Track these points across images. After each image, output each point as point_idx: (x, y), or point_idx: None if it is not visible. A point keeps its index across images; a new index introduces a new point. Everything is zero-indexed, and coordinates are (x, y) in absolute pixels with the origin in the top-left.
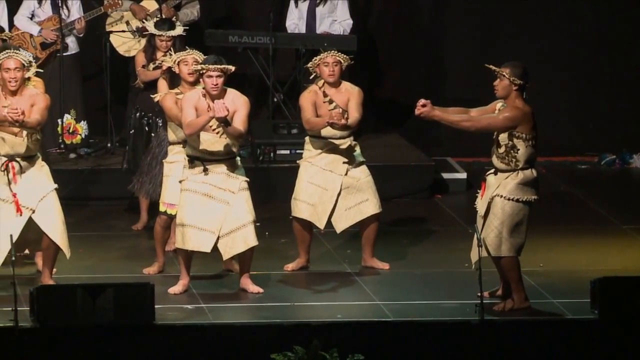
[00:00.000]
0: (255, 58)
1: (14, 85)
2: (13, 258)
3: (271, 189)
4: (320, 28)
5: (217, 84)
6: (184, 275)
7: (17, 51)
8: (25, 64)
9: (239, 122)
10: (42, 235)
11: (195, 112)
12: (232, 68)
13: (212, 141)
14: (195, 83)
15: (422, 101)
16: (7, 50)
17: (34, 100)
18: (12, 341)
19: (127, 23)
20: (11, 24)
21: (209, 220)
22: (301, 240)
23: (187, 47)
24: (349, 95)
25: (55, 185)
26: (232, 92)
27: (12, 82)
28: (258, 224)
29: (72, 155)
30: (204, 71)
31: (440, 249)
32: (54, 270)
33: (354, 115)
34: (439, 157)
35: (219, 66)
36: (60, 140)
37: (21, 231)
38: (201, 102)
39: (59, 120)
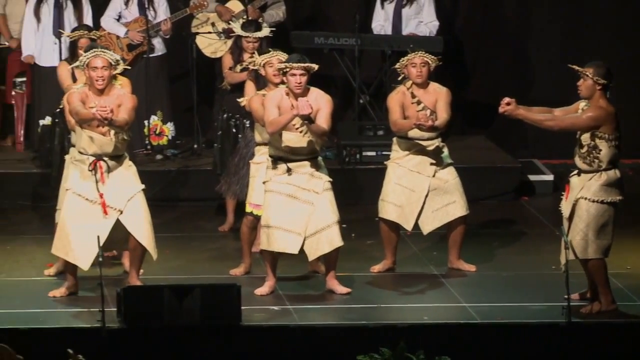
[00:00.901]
0: (340, 59)
1: (101, 84)
2: (100, 259)
3: (357, 191)
4: (406, 29)
5: (300, 82)
6: (270, 277)
7: (105, 50)
8: (113, 63)
9: (322, 120)
10: (129, 236)
11: (278, 111)
12: (315, 66)
13: (295, 140)
14: (280, 84)
15: (506, 99)
16: (94, 49)
17: (121, 100)
18: (99, 342)
19: (213, 24)
20: (97, 26)
21: (294, 222)
22: (388, 242)
23: (271, 49)
24: (437, 96)
25: (143, 186)
26: (315, 91)
27: (99, 80)
28: (344, 225)
29: (159, 157)
30: (288, 69)
31: (527, 251)
32: (141, 271)
33: (442, 116)
34: (525, 159)
35: (302, 64)
36: (147, 142)
37: (109, 232)
38: (284, 101)
39: (146, 122)
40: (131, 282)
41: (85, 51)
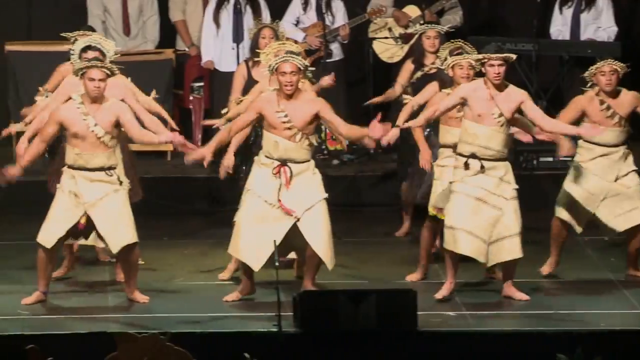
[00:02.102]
0: (518, 64)
1: (290, 89)
2: (276, 264)
3: (534, 197)
4: (585, 34)
5: (499, 73)
6: (450, 278)
7: (293, 55)
8: (301, 68)
9: (536, 117)
10: (307, 244)
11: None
12: (514, 56)
13: (489, 135)
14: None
15: None
16: (284, 55)
17: (313, 106)
18: (275, 346)
19: (390, 30)
20: None
21: (480, 227)
22: (555, 240)
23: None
24: (631, 104)
25: (326, 195)
26: (510, 86)
27: (287, 86)
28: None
29: (335, 162)
30: (485, 60)
31: None
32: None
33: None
34: None
35: (500, 55)
36: (324, 147)
37: (286, 237)
38: (479, 92)
39: (323, 127)
40: (306, 287)
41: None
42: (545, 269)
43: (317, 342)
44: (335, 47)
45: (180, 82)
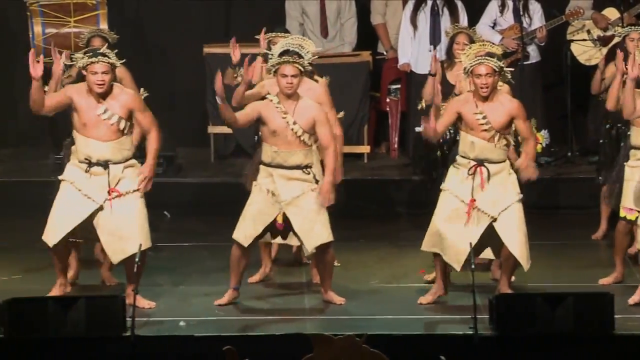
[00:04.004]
0: None
1: (485, 91)
2: (472, 266)
3: None
4: None
5: None
6: None
7: (490, 57)
8: (497, 70)
9: None
10: (503, 245)
11: None
12: None
13: None
14: None
15: None
16: (479, 57)
17: (510, 108)
18: (471, 349)
19: (588, 32)
20: None
21: None
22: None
23: None
24: None
25: (521, 195)
26: None
27: (483, 87)
28: None
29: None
30: None
31: None
32: (512, 278)
33: None
34: None
35: None
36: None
37: (481, 237)
38: None
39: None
40: (502, 290)
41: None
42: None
43: (513, 344)
44: (532, 50)
45: (377, 84)
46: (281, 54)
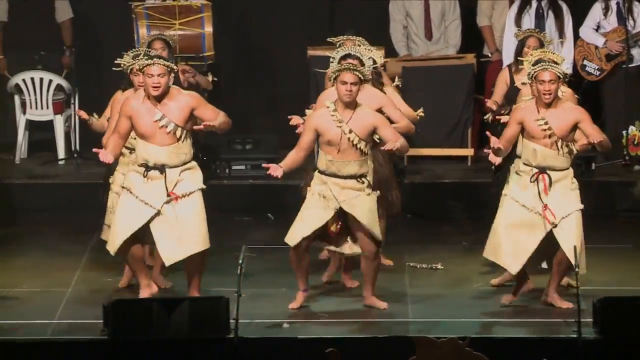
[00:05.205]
0: None
1: (548, 98)
2: (577, 269)
3: None
4: None
5: None
6: None
7: (553, 63)
8: (560, 76)
9: None
10: (559, 250)
11: None
12: None
13: None
14: None
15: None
16: (542, 64)
17: (573, 115)
18: (574, 352)
19: None
20: (576, 36)
21: None
22: None
23: None
24: None
25: (582, 206)
26: None
27: (546, 94)
28: None
29: (637, 167)
30: None
31: None
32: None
33: None
34: None
35: None
36: (625, 152)
37: (538, 242)
38: None
39: (624, 132)
40: (550, 293)
41: None
42: None
43: (617, 348)
44: (636, 52)
45: (481, 87)
46: (342, 58)
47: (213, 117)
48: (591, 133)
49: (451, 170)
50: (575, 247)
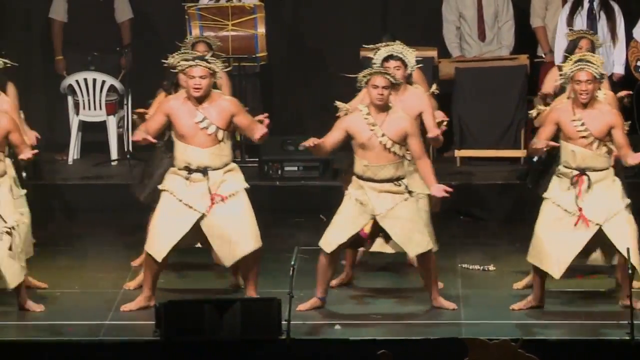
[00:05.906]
0: None
1: (585, 97)
2: (630, 271)
3: None
4: None
5: None
6: None
7: (589, 63)
8: (597, 77)
9: None
10: (615, 251)
11: None
12: None
13: None
14: None
15: None
16: (579, 63)
17: (609, 116)
18: (628, 354)
19: None
20: (629, 36)
21: None
22: None
23: None
24: None
25: (629, 201)
26: None
27: (582, 94)
28: None
29: None
30: None
31: None
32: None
33: None
34: None
35: None
36: None
37: (588, 244)
38: None
39: None
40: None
41: None
42: None
43: None
44: None
45: (534, 88)
46: (385, 60)
47: (249, 126)
48: (619, 143)
49: (504, 172)
50: (628, 249)
